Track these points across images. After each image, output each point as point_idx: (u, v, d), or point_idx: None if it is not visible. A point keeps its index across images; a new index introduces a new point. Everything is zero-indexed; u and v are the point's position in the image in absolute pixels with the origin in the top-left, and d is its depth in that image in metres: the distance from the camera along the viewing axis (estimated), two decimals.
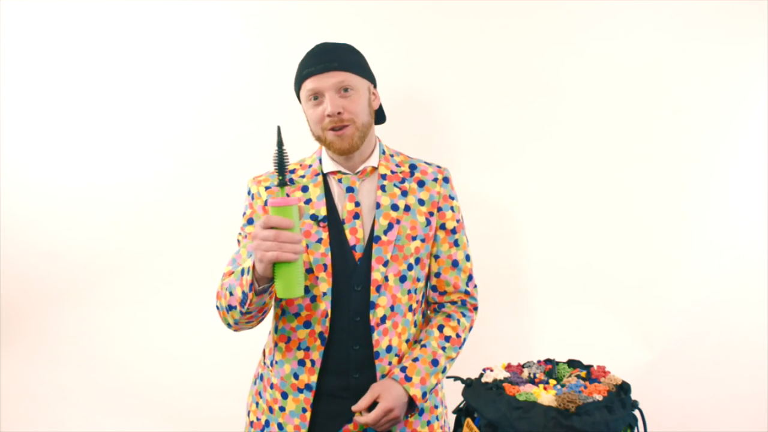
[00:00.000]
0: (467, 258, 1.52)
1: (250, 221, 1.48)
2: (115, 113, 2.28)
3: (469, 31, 2.09)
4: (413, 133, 2.08)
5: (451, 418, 1.36)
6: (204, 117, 2.24)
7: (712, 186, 2.08)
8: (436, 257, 1.48)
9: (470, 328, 1.51)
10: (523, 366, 1.28)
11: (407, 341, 1.43)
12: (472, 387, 1.21)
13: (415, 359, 1.37)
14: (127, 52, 2.24)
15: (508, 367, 1.28)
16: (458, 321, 1.47)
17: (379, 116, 1.55)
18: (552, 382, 1.22)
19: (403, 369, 1.35)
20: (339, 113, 1.35)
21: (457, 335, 1.45)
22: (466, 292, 1.51)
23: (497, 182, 2.14)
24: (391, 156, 1.50)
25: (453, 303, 1.51)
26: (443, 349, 1.41)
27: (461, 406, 1.24)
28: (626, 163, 2.10)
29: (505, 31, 2.08)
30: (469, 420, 1.18)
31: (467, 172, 2.09)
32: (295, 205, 1.19)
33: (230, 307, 1.34)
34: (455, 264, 1.49)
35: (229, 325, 1.41)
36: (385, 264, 1.39)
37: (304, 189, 1.44)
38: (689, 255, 2.10)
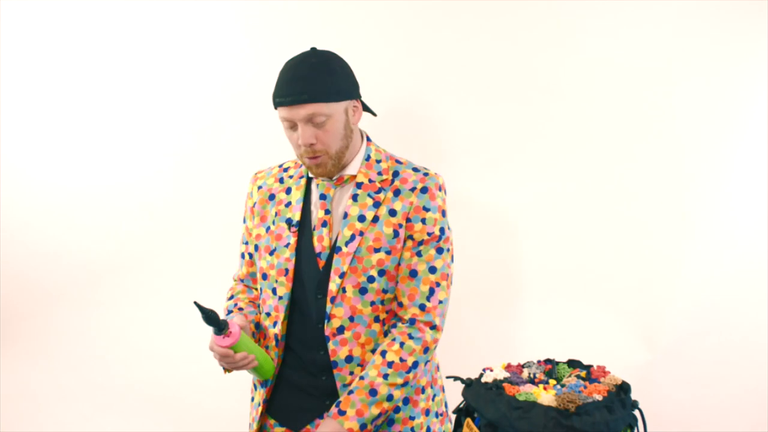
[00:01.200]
0: (432, 270, 1.41)
1: (244, 220, 1.53)
2: (116, 113, 2.28)
3: (467, 31, 2.09)
4: (409, 133, 2.08)
5: (451, 418, 1.36)
6: (204, 117, 2.24)
7: (712, 186, 2.08)
8: (399, 266, 1.43)
9: (426, 349, 1.40)
10: (523, 366, 1.28)
11: (373, 351, 1.42)
12: (472, 387, 1.21)
13: (350, 392, 1.34)
14: (128, 52, 2.24)
15: (508, 367, 1.28)
16: (401, 344, 1.38)
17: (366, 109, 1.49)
18: (552, 382, 1.22)
19: (338, 404, 1.34)
20: (312, 144, 1.34)
21: (401, 359, 1.36)
22: (422, 307, 1.41)
23: (496, 182, 2.13)
24: (377, 162, 1.45)
25: (404, 322, 1.42)
26: (385, 377, 1.35)
27: (461, 406, 1.24)
28: (626, 163, 2.09)
29: (503, 31, 2.08)
30: (469, 420, 1.18)
31: (465, 172, 2.09)
32: (237, 341, 1.32)
33: None
34: (413, 274, 1.41)
35: None
36: (341, 275, 1.38)
37: (288, 191, 1.46)
38: (689, 255, 2.10)
